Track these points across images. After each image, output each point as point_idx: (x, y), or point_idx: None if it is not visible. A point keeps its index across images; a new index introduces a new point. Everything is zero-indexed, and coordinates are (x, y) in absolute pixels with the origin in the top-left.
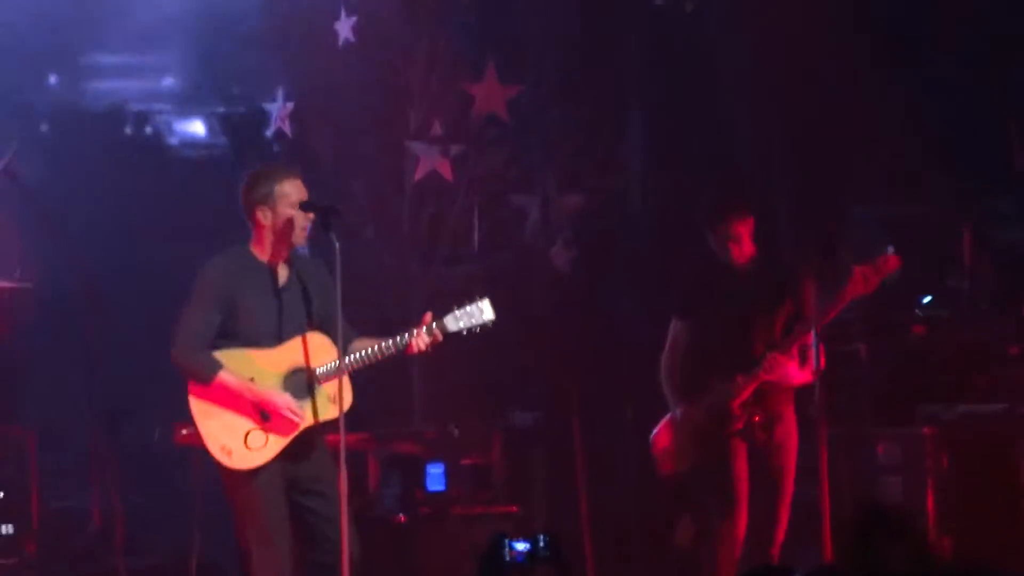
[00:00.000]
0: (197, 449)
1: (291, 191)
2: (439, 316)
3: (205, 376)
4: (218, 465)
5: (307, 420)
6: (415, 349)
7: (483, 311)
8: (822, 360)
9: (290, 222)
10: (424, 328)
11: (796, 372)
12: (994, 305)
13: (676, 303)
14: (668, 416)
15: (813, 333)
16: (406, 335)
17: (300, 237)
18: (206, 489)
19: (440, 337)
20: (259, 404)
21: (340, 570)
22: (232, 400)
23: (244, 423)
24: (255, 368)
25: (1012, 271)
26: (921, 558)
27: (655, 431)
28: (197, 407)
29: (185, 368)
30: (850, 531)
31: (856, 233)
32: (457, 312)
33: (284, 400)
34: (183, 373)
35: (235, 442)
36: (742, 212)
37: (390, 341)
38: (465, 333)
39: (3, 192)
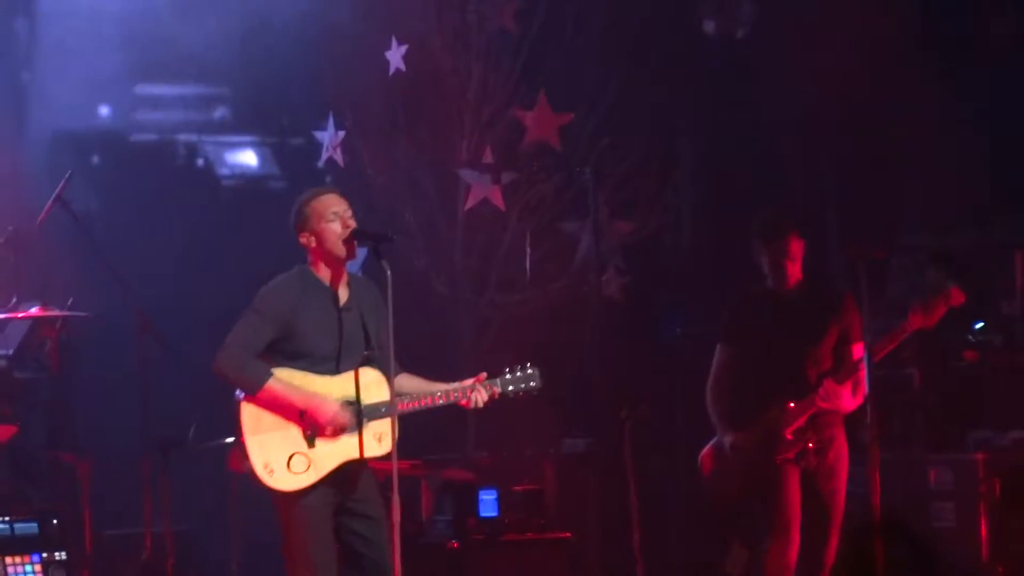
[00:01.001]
0: (237, 475)
1: (324, 206)
2: (492, 377)
3: (254, 384)
4: (262, 484)
5: (350, 453)
6: (470, 406)
7: (532, 378)
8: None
9: (332, 235)
10: (481, 387)
11: (849, 399)
12: None
13: (722, 329)
14: (715, 440)
15: (865, 357)
16: (460, 394)
17: (339, 246)
18: (248, 515)
19: (496, 396)
20: (306, 410)
21: None
22: (281, 419)
23: (290, 445)
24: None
25: None
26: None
27: (702, 457)
28: (249, 418)
29: (230, 376)
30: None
31: (908, 263)
32: (508, 376)
33: (334, 406)
34: (227, 381)
35: (278, 462)
36: (798, 231)
37: (441, 392)
38: (511, 396)
39: (56, 221)
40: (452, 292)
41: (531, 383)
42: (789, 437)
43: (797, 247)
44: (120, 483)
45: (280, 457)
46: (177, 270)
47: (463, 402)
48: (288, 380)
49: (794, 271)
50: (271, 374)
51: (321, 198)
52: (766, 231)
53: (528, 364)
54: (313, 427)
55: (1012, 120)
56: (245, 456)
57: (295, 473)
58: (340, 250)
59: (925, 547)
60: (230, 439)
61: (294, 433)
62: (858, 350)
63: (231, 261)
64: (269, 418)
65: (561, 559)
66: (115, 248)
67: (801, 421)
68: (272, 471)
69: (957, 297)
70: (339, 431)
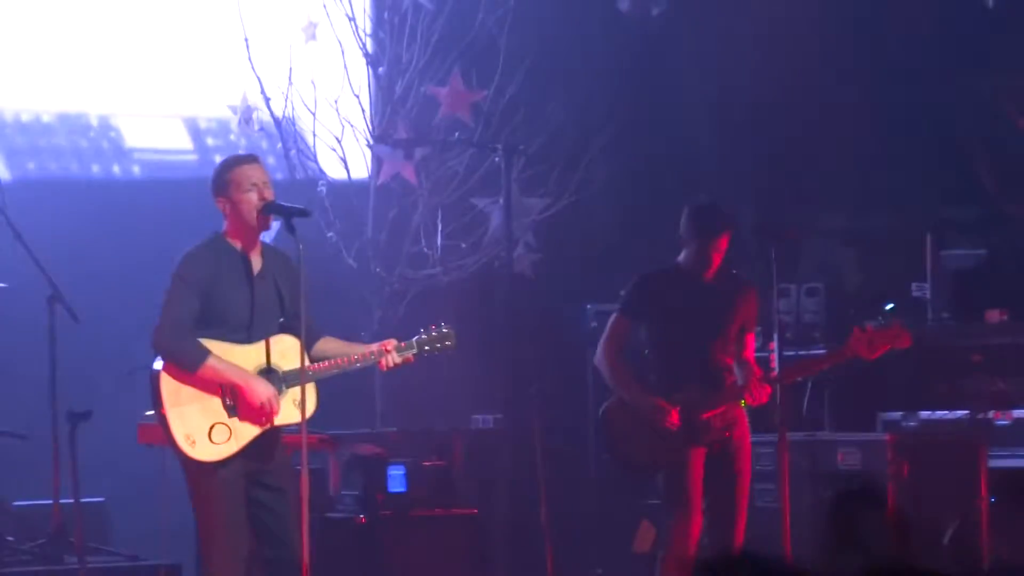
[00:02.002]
0: (159, 448)
1: (243, 176)
2: (407, 338)
3: (192, 363)
4: (181, 456)
5: (266, 423)
6: (385, 366)
7: (448, 337)
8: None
9: (248, 205)
10: (395, 347)
11: (768, 389)
12: (955, 313)
13: (626, 302)
14: (615, 398)
15: (776, 339)
16: (377, 352)
17: (253, 217)
18: (167, 487)
19: (412, 359)
20: (238, 388)
21: (290, 567)
22: (206, 391)
23: (211, 416)
24: (231, 360)
25: (973, 280)
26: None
27: (606, 410)
28: (169, 391)
29: (171, 354)
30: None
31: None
32: (424, 336)
33: (267, 391)
34: (167, 359)
35: (200, 433)
36: (730, 227)
37: (358, 355)
38: (426, 355)
39: None
40: (363, 266)
41: (446, 342)
42: (703, 422)
43: (726, 241)
44: (28, 455)
45: (202, 427)
46: (87, 242)
47: (380, 362)
48: (211, 349)
49: (718, 262)
50: (209, 352)
51: (242, 167)
52: (701, 227)
53: (443, 324)
54: (245, 407)
55: (926, 103)
56: (165, 427)
57: (216, 443)
58: (254, 221)
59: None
60: (150, 412)
61: (215, 403)
62: (751, 339)
63: (143, 233)
64: (188, 389)
65: (469, 535)
66: (26, 220)
67: (719, 410)
68: (194, 442)
69: (904, 341)
70: (271, 414)
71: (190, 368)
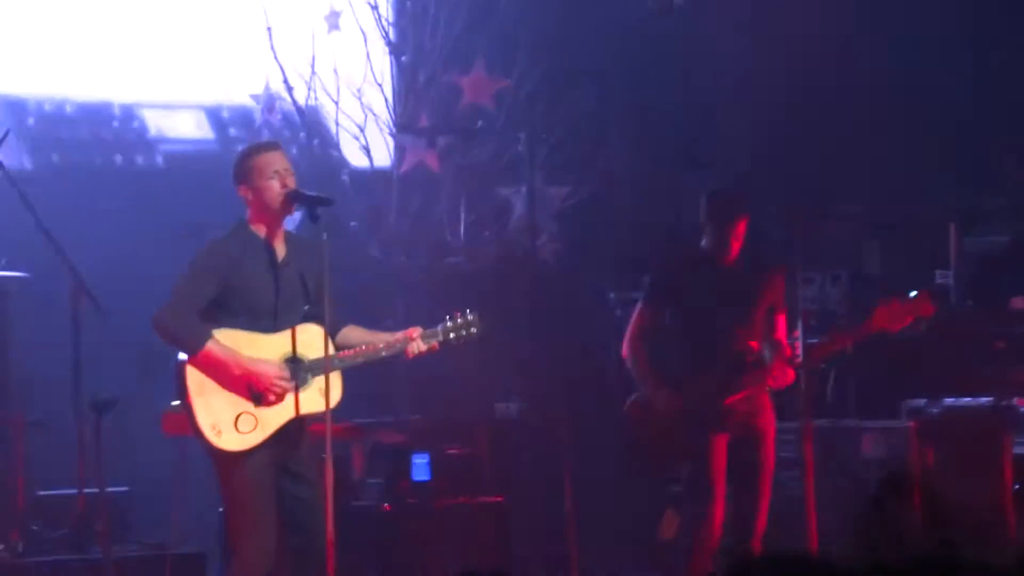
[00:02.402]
0: (183, 438)
1: (265, 163)
2: (432, 326)
3: (192, 345)
4: (207, 446)
5: (292, 411)
6: (411, 354)
7: (473, 324)
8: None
9: (271, 192)
10: (421, 335)
11: (791, 372)
12: (979, 300)
13: (649, 289)
14: (639, 393)
15: (800, 327)
16: (402, 340)
17: (277, 204)
18: (190, 478)
19: (437, 346)
20: (247, 376)
21: (316, 556)
22: (225, 376)
23: (237, 404)
24: (255, 350)
25: (997, 267)
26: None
27: (628, 403)
28: (194, 381)
29: (169, 334)
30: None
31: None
32: (449, 323)
33: (273, 370)
34: (167, 341)
35: (225, 422)
36: (747, 211)
37: (383, 343)
38: (452, 342)
39: None
40: (386, 255)
41: (471, 329)
42: (724, 408)
43: (744, 226)
44: (53, 444)
45: (227, 417)
46: (112, 232)
47: (406, 350)
48: (231, 340)
49: (737, 247)
50: (210, 335)
51: (264, 155)
52: (718, 212)
53: (468, 310)
54: (255, 394)
55: (950, 90)
56: (191, 417)
57: (243, 432)
58: (276, 206)
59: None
60: (175, 402)
61: (241, 392)
62: (781, 321)
63: (167, 223)
64: (213, 379)
65: (493, 524)
66: (50, 209)
67: (743, 394)
68: (220, 432)
69: (927, 308)
70: (283, 395)
71: (190, 351)
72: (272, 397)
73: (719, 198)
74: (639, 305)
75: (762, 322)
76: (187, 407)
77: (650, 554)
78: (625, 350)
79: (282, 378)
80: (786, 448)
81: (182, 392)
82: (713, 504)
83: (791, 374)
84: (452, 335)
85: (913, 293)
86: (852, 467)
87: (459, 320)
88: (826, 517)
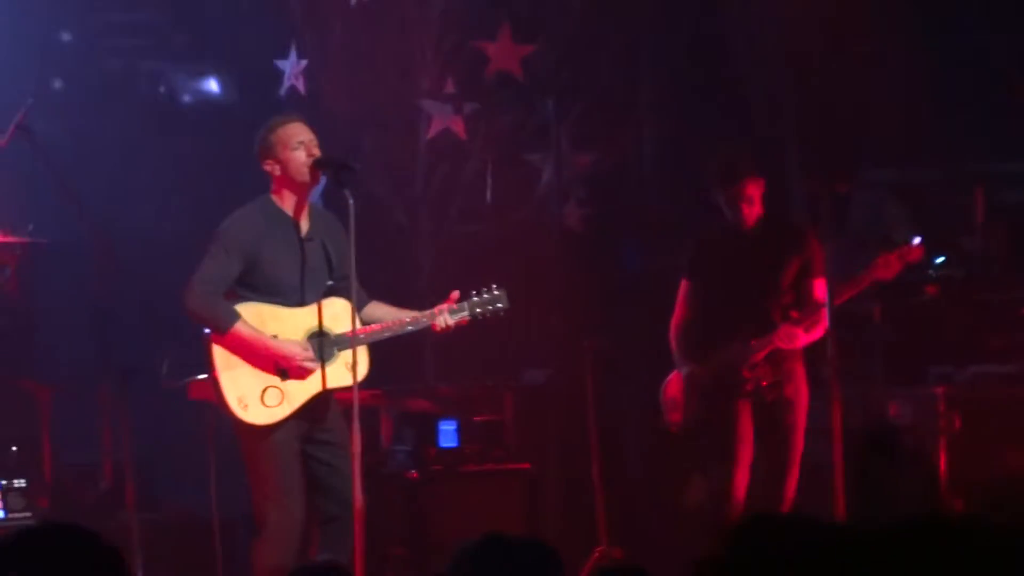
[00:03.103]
0: (211, 405)
1: (289, 135)
2: (459, 300)
3: (220, 325)
4: (233, 419)
5: (318, 386)
6: (439, 328)
7: (499, 299)
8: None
9: (297, 164)
10: (448, 309)
11: (804, 336)
12: (1007, 266)
13: (686, 262)
14: (676, 370)
15: (827, 292)
16: (429, 315)
17: (304, 174)
18: (219, 444)
19: (466, 321)
20: (274, 358)
21: (349, 522)
22: (251, 353)
23: (263, 379)
24: (279, 325)
25: None
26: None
27: (666, 381)
28: (221, 355)
29: (199, 316)
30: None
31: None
32: (475, 299)
33: (299, 351)
34: (196, 320)
35: (252, 396)
36: (754, 174)
37: (410, 317)
38: (478, 317)
39: (17, 148)
40: (412, 222)
41: (498, 304)
42: (746, 375)
43: (754, 189)
44: (80, 411)
45: (254, 391)
46: (138, 197)
47: (433, 324)
48: (255, 315)
49: (752, 211)
50: (239, 316)
51: (287, 126)
52: (722, 176)
53: (494, 286)
54: (282, 370)
55: (978, 53)
56: (218, 391)
57: (269, 407)
58: (304, 176)
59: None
60: (202, 375)
61: (267, 366)
62: (819, 286)
63: (192, 189)
64: (240, 356)
65: (521, 490)
66: (77, 175)
67: (758, 358)
68: (247, 405)
69: (916, 253)
70: (308, 371)
71: (219, 330)
72: (297, 373)
73: (722, 161)
74: (682, 281)
75: (789, 289)
76: (213, 380)
77: (676, 520)
78: (671, 328)
79: (308, 359)
80: (813, 415)
81: (209, 365)
82: (735, 470)
83: (797, 333)
84: (479, 310)
85: (940, 259)
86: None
87: (485, 295)
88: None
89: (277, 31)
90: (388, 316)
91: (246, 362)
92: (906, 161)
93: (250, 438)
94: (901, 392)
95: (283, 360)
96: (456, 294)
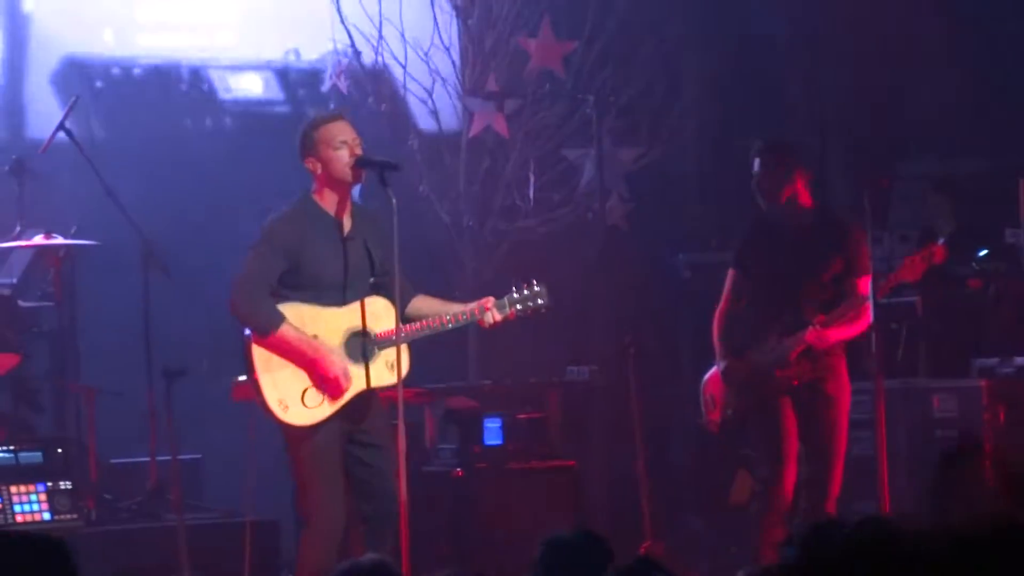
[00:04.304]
0: (253, 405)
1: (331, 134)
2: (502, 291)
3: (265, 327)
4: (276, 420)
5: (360, 385)
6: (487, 325)
7: (540, 295)
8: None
9: (339, 163)
10: (495, 306)
11: (836, 334)
12: None
13: (734, 254)
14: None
15: (870, 286)
16: (473, 311)
17: (346, 173)
18: (261, 445)
19: (513, 316)
20: (315, 364)
21: (391, 522)
22: (293, 355)
23: (303, 379)
24: (320, 325)
25: None
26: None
27: (706, 377)
28: (260, 357)
29: (244, 315)
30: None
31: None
32: (516, 295)
33: (339, 367)
34: (242, 321)
35: (292, 397)
36: (802, 166)
37: (450, 315)
38: (520, 314)
39: (60, 149)
40: (455, 219)
41: (539, 300)
42: (778, 374)
43: (800, 181)
44: (125, 412)
45: (294, 392)
46: (181, 197)
47: (480, 321)
48: (295, 315)
49: (797, 202)
50: (284, 319)
51: (329, 125)
52: (771, 166)
53: (535, 282)
54: (321, 381)
55: (1018, 44)
56: (258, 392)
57: (309, 407)
58: (347, 176)
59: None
60: (242, 377)
61: (307, 366)
62: (863, 284)
63: (236, 187)
64: (281, 357)
65: (566, 487)
66: (119, 176)
67: (791, 356)
68: (287, 407)
69: (940, 254)
70: (341, 389)
71: (262, 332)
72: (333, 387)
73: (770, 150)
74: (728, 272)
75: (830, 284)
76: (254, 382)
77: (722, 517)
78: (714, 320)
79: (346, 377)
80: (858, 408)
81: (249, 367)
82: (784, 467)
83: (825, 335)
84: (519, 306)
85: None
86: (924, 426)
87: (525, 291)
88: (898, 478)
89: (317, 28)
90: (433, 310)
91: (288, 363)
92: (948, 153)
93: (292, 439)
94: (945, 385)
95: (322, 370)
96: (491, 300)
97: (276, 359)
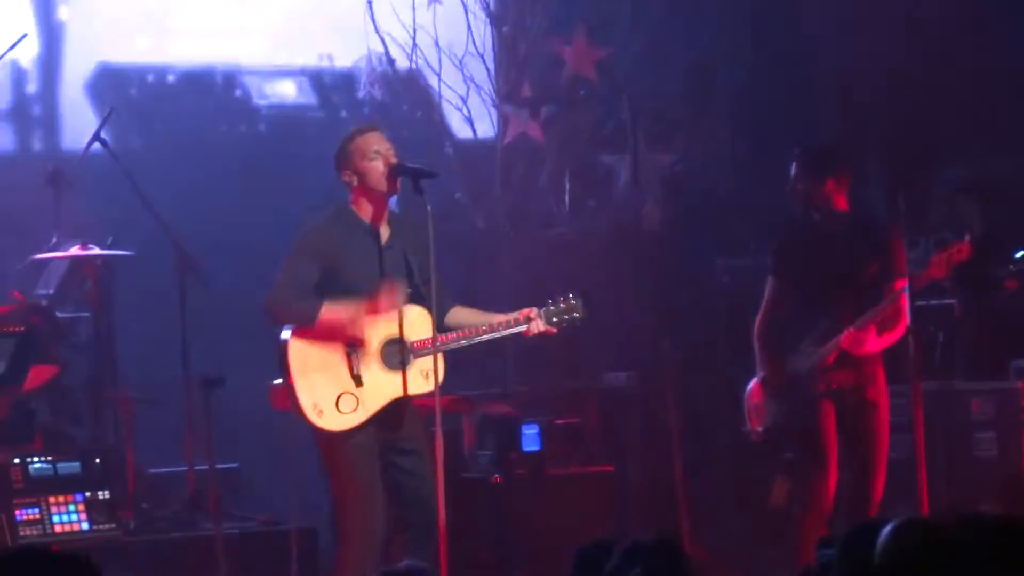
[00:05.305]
0: (292, 414)
1: (366, 145)
2: (539, 298)
3: (309, 314)
4: (312, 427)
5: (395, 392)
6: (531, 334)
7: (576, 308)
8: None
9: (375, 173)
10: (540, 318)
11: (875, 341)
12: None
13: (772, 261)
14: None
15: (907, 290)
16: (514, 322)
17: (382, 183)
18: (299, 453)
19: (555, 330)
20: (362, 307)
21: (432, 529)
22: (328, 358)
23: (338, 385)
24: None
25: None
26: None
27: (749, 386)
28: (296, 359)
29: (284, 316)
30: None
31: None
32: (552, 307)
33: (384, 288)
34: (282, 322)
35: (327, 402)
36: (840, 170)
37: (487, 325)
38: (555, 327)
39: (96, 159)
40: (491, 226)
41: (575, 314)
42: (817, 379)
43: (838, 185)
44: (163, 421)
45: (329, 397)
46: (216, 204)
47: (525, 332)
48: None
49: (836, 209)
50: (322, 301)
51: (364, 136)
52: (806, 172)
53: (571, 294)
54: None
55: None
56: (293, 398)
57: (344, 413)
58: (383, 186)
59: None
60: (278, 380)
61: (342, 372)
62: (900, 286)
63: (270, 193)
64: (315, 358)
65: (604, 493)
66: (155, 185)
67: (828, 362)
68: (321, 412)
69: (966, 252)
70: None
71: (308, 322)
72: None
73: (807, 157)
74: (768, 280)
75: (868, 289)
76: (289, 387)
77: (761, 522)
78: (755, 328)
79: (390, 295)
80: (896, 412)
81: (284, 371)
82: (826, 472)
83: (862, 339)
84: (555, 319)
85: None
86: (962, 428)
87: (562, 304)
88: (936, 481)
89: (352, 35)
90: (471, 320)
91: (322, 367)
92: (981, 156)
93: (327, 445)
94: (982, 387)
95: (373, 305)
96: (534, 310)
97: (313, 361)
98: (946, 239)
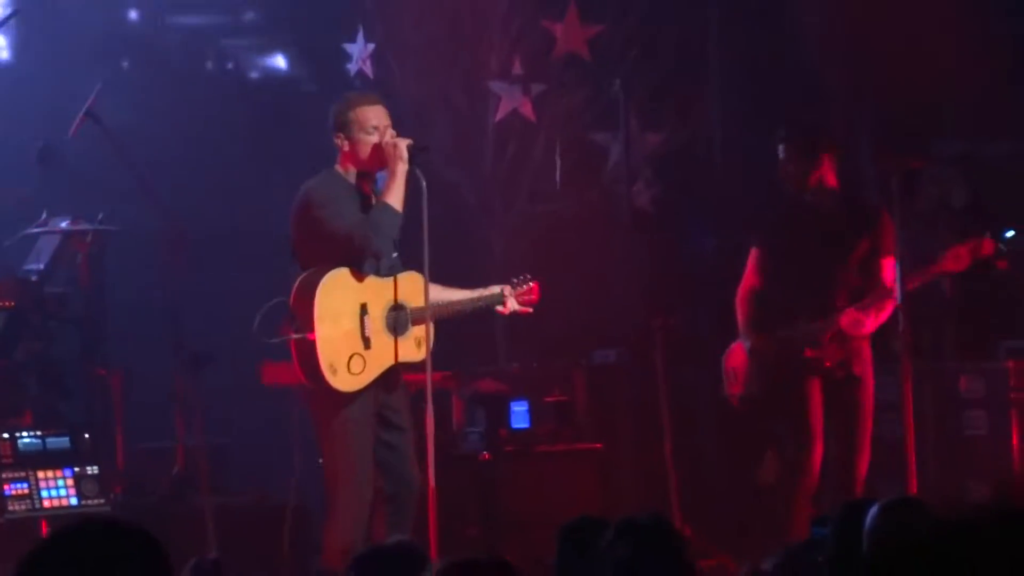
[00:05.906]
0: (282, 391)
1: (366, 117)
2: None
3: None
4: (310, 393)
5: (394, 357)
6: (508, 310)
7: (529, 291)
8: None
9: (366, 147)
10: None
11: (872, 323)
12: None
13: (756, 230)
14: (740, 339)
15: (897, 267)
16: (475, 299)
17: (370, 160)
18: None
19: (531, 310)
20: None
21: (409, 501)
22: (344, 315)
23: (351, 346)
24: (367, 293)
25: None
26: None
27: (727, 352)
28: (324, 308)
29: (373, 242)
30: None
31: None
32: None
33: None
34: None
35: (340, 362)
36: (831, 148)
37: (471, 297)
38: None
39: (86, 134)
40: (482, 203)
41: (530, 295)
42: (809, 354)
43: (828, 163)
44: (152, 397)
45: (342, 357)
46: (207, 178)
47: (499, 308)
48: (343, 280)
49: (826, 187)
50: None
51: (366, 108)
52: (798, 150)
53: (526, 275)
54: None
55: None
56: (311, 353)
57: (354, 374)
58: (370, 163)
59: None
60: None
61: (355, 333)
62: (888, 265)
63: (262, 167)
64: (331, 315)
65: (593, 470)
66: (145, 156)
67: (823, 339)
68: (336, 371)
69: (988, 247)
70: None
71: (393, 218)
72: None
73: (799, 135)
74: (751, 251)
75: (856, 267)
76: (310, 343)
77: (750, 498)
78: (737, 296)
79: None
80: (885, 390)
81: (306, 322)
82: (811, 446)
83: (861, 319)
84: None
85: (1010, 233)
86: (951, 406)
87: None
88: (925, 459)
89: (344, 10)
90: (439, 298)
91: (338, 325)
92: (974, 134)
93: (324, 414)
94: (972, 366)
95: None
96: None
97: (331, 313)
98: (936, 211)
